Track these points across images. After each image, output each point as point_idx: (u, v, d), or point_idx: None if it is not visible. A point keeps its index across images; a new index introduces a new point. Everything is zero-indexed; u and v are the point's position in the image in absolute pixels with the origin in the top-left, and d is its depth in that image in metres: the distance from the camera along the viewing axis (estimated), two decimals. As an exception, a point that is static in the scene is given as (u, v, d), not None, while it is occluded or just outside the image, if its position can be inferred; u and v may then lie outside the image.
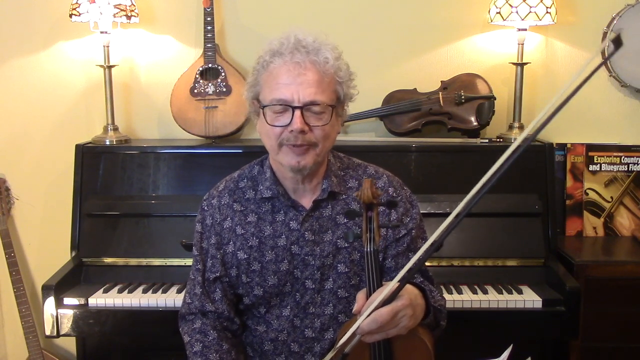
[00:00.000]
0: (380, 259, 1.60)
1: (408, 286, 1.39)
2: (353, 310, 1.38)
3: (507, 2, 2.47)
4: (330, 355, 1.32)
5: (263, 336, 1.65)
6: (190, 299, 1.66)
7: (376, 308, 1.29)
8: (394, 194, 1.63)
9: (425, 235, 1.69)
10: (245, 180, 1.66)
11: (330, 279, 1.60)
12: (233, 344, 1.64)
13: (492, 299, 2.17)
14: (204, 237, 1.67)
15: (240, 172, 1.70)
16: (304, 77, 1.47)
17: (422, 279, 1.62)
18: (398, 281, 1.28)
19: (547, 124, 1.07)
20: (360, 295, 1.38)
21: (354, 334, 1.30)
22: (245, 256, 1.61)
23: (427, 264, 1.73)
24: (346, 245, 1.60)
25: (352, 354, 1.31)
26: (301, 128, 1.46)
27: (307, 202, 1.61)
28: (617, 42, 1.14)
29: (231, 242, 1.63)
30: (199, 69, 2.58)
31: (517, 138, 1.15)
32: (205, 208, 1.67)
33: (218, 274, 1.63)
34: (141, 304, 2.19)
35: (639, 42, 2.58)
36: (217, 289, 1.64)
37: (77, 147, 2.51)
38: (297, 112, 1.47)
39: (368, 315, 1.28)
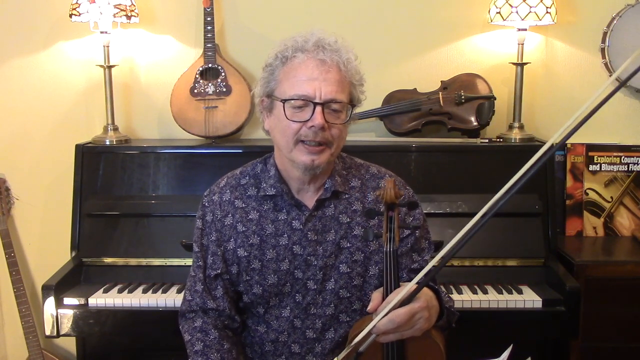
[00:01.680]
0: None
1: (424, 288, 1.38)
2: (368, 308, 1.38)
3: (507, 2, 2.47)
4: (344, 353, 1.32)
5: (263, 337, 1.64)
6: (191, 296, 1.65)
7: (393, 308, 1.29)
8: None
9: (429, 236, 1.68)
10: (248, 178, 1.66)
11: (332, 279, 1.60)
12: (234, 343, 1.63)
13: (492, 299, 2.17)
14: (204, 234, 1.66)
15: (242, 169, 1.70)
16: (327, 75, 1.48)
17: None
18: (416, 283, 1.28)
19: (569, 137, 1.07)
20: (377, 294, 1.38)
21: (369, 333, 1.30)
22: (246, 254, 1.61)
23: (427, 264, 1.73)
24: (348, 245, 1.59)
25: (365, 354, 1.31)
26: (322, 124, 1.47)
27: (310, 201, 1.61)
28: None
29: (232, 239, 1.62)
30: (199, 69, 2.58)
31: (534, 156, 1.15)
32: (206, 204, 1.66)
33: (219, 271, 1.63)
34: (141, 304, 2.19)
35: (639, 42, 2.58)
36: (219, 286, 1.63)
37: (77, 147, 2.51)
38: (319, 108, 1.47)
39: (385, 315, 1.28)
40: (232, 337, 1.65)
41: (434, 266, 1.23)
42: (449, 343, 1.60)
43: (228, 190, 1.65)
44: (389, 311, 1.28)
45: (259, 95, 1.58)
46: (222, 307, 1.63)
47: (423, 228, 1.66)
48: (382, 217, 1.40)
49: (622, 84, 1.23)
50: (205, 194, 1.69)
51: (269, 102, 1.56)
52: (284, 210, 1.61)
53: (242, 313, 1.69)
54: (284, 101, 1.50)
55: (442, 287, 2.22)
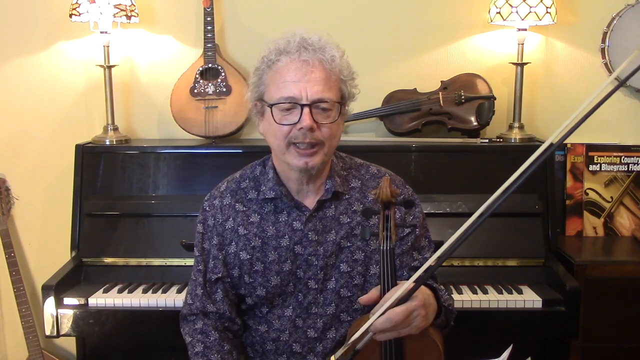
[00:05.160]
0: None
1: (422, 287, 1.39)
2: (361, 299, 1.40)
3: (507, 2, 2.47)
4: (341, 351, 1.32)
5: (264, 336, 1.65)
6: (191, 299, 1.66)
7: (391, 307, 1.29)
8: None
9: (429, 234, 1.69)
10: (247, 181, 1.66)
11: (333, 279, 1.60)
12: (234, 344, 1.64)
13: (492, 299, 2.17)
14: (205, 238, 1.66)
15: (241, 172, 1.70)
16: (311, 75, 1.48)
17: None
18: (414, 281, 1.29)
19: (568, 137, 1.07)
20: (374, 290, 1.39)
21: (366, 332, 1.30)
22: (248, 256, 1.61)
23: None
24: (349, 244, 1.60)
25: (363, 352, 1.31)
26: (310, 125, 1.46)
27: (310, 202, 1.61)
28: None
29: (233, 243, 1.63)
30: (199, 69, 2.58)
31: (531, 157, 1.16)
32: (207, 209, 1.67)
33: (220, 275, 1.63)
34: (141, 304, 2.19)
35: (639, 42, 2.58)
36: (219, 290, 1.64)
37: (77, 147, 2.51)
38: (306, 109, 1.47)
39: (382, 314, 1.29)
40: (232, 339, 1.65)
41: (431, 265, 1.24)
42: (449, 343, 1.60)
43: (228, 194, 1.66)
44: (386, 309, 1.29)
45: (251, 99, 1.59)
46: (222, 310, 1.63)
47: (422, 226, 1.67)
48: (379, 216, 1.39)
49: (621, 83, 1.23)
50: (205, 198, 1.69)
51: (260, 106, 1.57)
52: (285, 212, 1.61)
53: (242, 315, 1.69)
54: (271, 105, 1.50)
55: (442, 287, 2.23)
